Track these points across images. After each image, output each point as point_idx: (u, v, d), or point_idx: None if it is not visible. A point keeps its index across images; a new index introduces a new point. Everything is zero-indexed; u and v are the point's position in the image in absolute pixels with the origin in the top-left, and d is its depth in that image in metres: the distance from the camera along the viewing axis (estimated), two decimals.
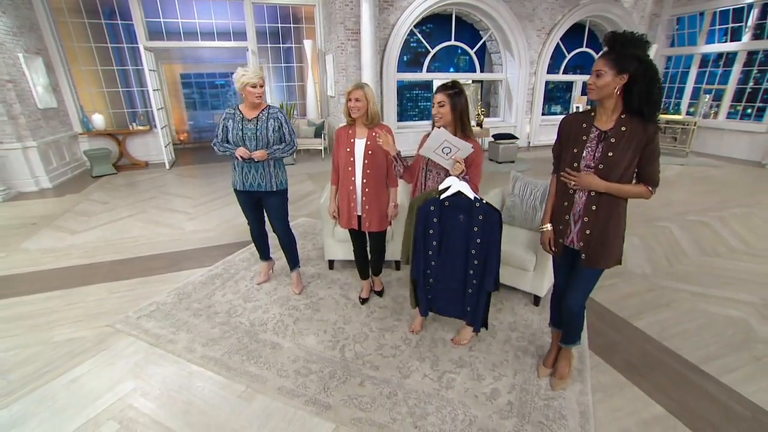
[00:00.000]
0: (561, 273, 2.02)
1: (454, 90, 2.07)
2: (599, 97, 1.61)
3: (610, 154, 1.63)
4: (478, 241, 2.06)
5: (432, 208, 2.07)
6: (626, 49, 1.51)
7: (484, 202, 2.02)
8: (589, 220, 1.74)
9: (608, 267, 1.80)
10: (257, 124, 2.58)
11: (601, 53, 1.60)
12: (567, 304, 1.92)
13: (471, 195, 2.00)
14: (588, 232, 1.75)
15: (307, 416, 1.92)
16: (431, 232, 2.12)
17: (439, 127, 2.02)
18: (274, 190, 2.72)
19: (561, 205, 1.84)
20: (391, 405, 1.98)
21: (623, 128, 1.60)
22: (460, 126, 2.11)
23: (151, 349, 2.40)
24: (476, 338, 2.47)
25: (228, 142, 2.64)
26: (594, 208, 1.72)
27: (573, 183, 1.73)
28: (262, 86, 2.51)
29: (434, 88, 8.13)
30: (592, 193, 1.71)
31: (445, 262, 2.19)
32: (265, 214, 2.92)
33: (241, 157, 2.53)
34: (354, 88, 2.33)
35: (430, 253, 2.17)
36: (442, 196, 2.03)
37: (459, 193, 2.00)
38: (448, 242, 2.14)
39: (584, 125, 1.71)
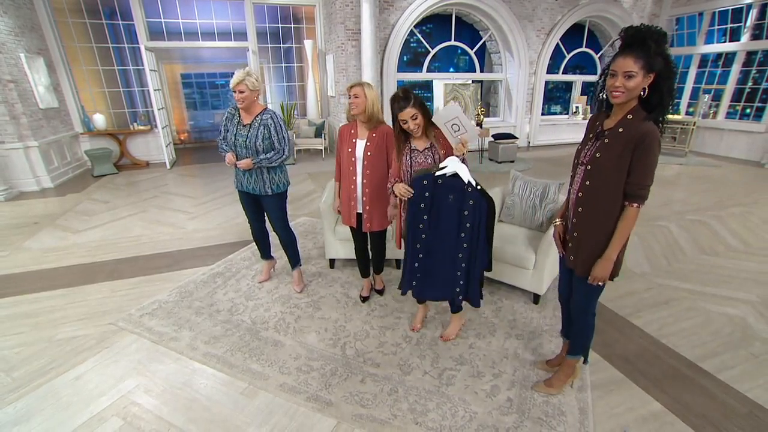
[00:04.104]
0: (563, 279, 2.00)
1: (414, 99, 2.04)
2: (627, 99, 1.46)
3: (597, 155, 1.56)
4: (468, 225, 2.05)
5: (425, 182, 2.06)
6: (657, 47, 1.38)
7: (478, 187, 2.00)
8: (578, 221, 1.70)
9: (593, 277, 1.66)
10: (249, 130, 2.57)
11: (624, 52, 1.42)
12: (571, 306, 1.92)
13: (466, 178, 1.97)
14: (576, 234, 1.71)
15: (308, 413, 1.94)
16: (422, 206, 2.12)
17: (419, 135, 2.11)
18: (269, 194, 2.74)
19: (566, 205, 1.83)
20: (392, 402, 2.00)
21: (621, 129, 1.50)
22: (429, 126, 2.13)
23: (153, 347, 2.42)
24: (464, 329, 2.49)
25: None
26: (581, 210, 1.67)
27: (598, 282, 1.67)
28: (242, 92, 2.44)
29: (434, 88, 8.11)
30: (580, 194, 1.66)
31: (435, 239, 2.18)
32: (265, 214, 2.95)
33: (228, 163, 2.61)
34: (353, 85, 2.36)
35: (421, 226, 2.16)
36: (437, 173, 2.02)
37: (455, 174, 1.99)
38: (437, 220, 2.13)
39: (597, 122, 1.64)
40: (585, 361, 2.02)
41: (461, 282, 2.22)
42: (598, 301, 2.68)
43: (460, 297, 2.28)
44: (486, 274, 2.96)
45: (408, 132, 2.14)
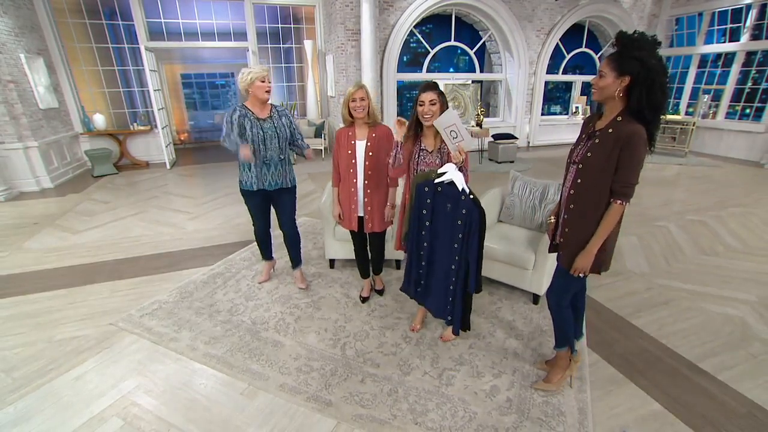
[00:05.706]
0: None
1: (441, 91, 2.11)
2: (601, 98, 1.59)
3: (588, 154, 1.63)
4: (460, 235, 2.07)
5: (426, 189, 2.10)
6: (628, 51, 1.48)
7: (471, 197, 2.03)
8: (569, 217, 1.76)
9: (574, 268, 1.73)
10: (273, 122, 2.62)
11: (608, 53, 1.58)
12: (547, 301, 1.98)
13: (460, 186, 2.00)
14: (567, 229, 1.78)
15: (308, 413, 1.94)
16: (424, 212, 2.15)
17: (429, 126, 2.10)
18: (289, 186, 2.79)
19: (559, 201, 1.90)
20: (392, 402, 2.00)
21: (610, 130, 1.56)
22: None
23: (153, 347, 2.43)
24: (465, 335, 2.49)
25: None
26: (572, 206, 1.73)
27: (582, 274, 1.74)
28: (270, 82, 2.54)
29: None
30: (571, 191, 1.72)
31: (434, 247, 2.21)
32: (273, 214, 2.94)
33: (245, 158, 2.41)
34: (356, 89, 2.36)
35: (423, 233, 2.19)
36: (436, 181, 2.05)
37: (451, 182, 2.02)
38: (436, 228, 2.16)
39: (590, 123, 1.72)
40: (572, 351, 2.05)
41: (450, 299, 2.24)
42: (597, 301, 2.70)
43: (449, 317, 2.30)
44: (486, 274, 2.99)
45: (420, 127, 2.17)
